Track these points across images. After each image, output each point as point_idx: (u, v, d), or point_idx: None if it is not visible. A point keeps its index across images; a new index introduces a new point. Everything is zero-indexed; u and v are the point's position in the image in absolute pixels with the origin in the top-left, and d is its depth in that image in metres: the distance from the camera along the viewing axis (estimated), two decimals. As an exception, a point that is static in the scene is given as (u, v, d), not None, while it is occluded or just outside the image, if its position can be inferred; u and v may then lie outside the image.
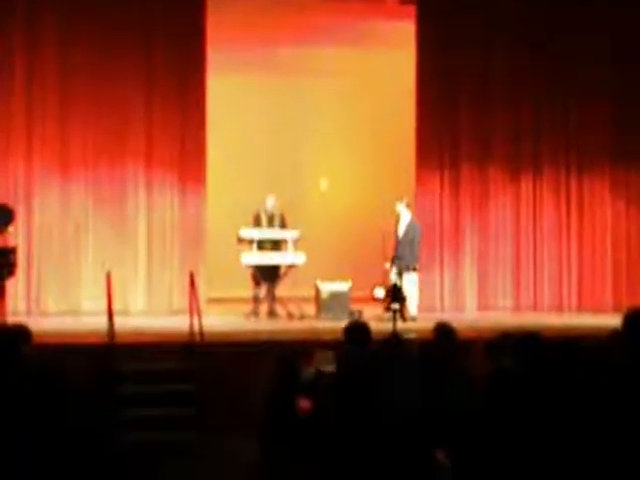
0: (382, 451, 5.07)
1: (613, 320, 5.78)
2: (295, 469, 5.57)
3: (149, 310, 12.55)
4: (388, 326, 9.58)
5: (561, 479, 4.78)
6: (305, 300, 12.19)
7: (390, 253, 11.96)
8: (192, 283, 9.66)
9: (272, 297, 12.04)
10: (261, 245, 11.91)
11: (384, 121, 15.24)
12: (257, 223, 12.05)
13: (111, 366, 8.67)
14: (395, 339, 5.92)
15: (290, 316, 11.77)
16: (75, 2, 12.49)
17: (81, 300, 12.39)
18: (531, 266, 13.72)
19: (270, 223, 12.08)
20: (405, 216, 12.07)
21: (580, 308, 13.60)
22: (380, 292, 11.79)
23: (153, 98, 12.76)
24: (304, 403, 5.70)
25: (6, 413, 4.80)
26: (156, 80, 12.76)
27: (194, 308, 9.40)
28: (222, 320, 11.48)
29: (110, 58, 12.53)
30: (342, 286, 11.97)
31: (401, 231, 12.02)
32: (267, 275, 11.98)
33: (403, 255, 11.87)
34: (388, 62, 14.90)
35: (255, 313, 11.87)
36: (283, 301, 12.01)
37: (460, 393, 5.12)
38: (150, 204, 12.77)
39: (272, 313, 11.99)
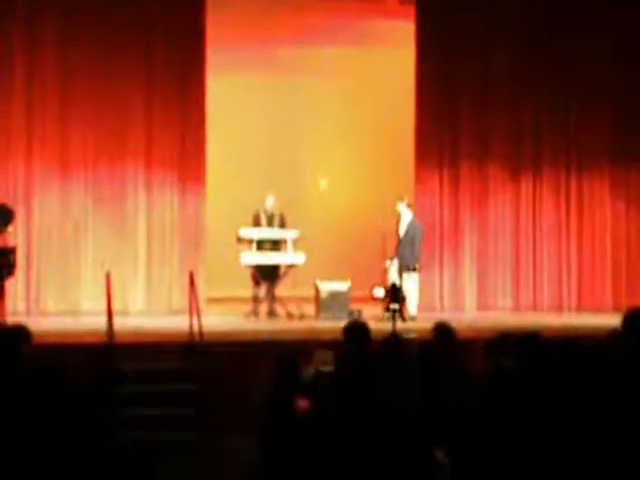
0: (381, 450, 5.07)
1: (613, 320, 5.78)
2: (294, 469, 5.57)
3: (149, 310, 12.56)
4: (387, 326, 9.57)
5: (561, 478, 4.78)
6: (305, 300, 12.18)
7: (391, 252, 11.97)
8: (192, 283, 9.66)
9: (272, 297, 12.04)
10: (260, 245, 11.90)
11: (383, 120, 15.23)
12: (256, 223, 12.05)
13: (111, 366, 8.67)
14: (395, 339, 5.92)
15: (290, 316, 11.78)
16: (75, 2, 12.50)
17: (81, 300, 12.39)
18: (531, 266, 13.72)
19: (269, 223, 12.08)
20: (406, 216, 12.08)
21: (580, 308, 13.60)
22: (379, 292, 11.79)
23: (153, 98, 12.77)
24: (303, 403, 5.70)
25: (6, 413, 4.80)
26: (156, 80, 12.77)
27: (194, 308, 9.40)
28: (222, 320, 11.49)
29: (110, 58, 12.54)
30: (341, 286, 11.97)
31: (402, 231, 12.02)
32: (267, 275, 11.98)
33: (404, 255, 11.88)
34: (387, 61, 14.90)
35: (255, 313, 11.87)
36: (283, 301, 12.01)
37: (459, 393, 5.12)
38: (150, 204, 12.77)
39: (272, 313, 11.99)
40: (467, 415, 4.97)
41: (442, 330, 5.73)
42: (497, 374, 5.09)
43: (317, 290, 11.96)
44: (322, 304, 11.86)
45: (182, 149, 12.84)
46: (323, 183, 15.58)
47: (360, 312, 11.50)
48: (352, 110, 15.61)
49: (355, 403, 5.25)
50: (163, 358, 9.11)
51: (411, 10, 13.50)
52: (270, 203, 12.12)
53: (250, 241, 11.83)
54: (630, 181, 13.82)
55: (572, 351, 5.19)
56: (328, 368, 5.99)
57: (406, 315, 11.60)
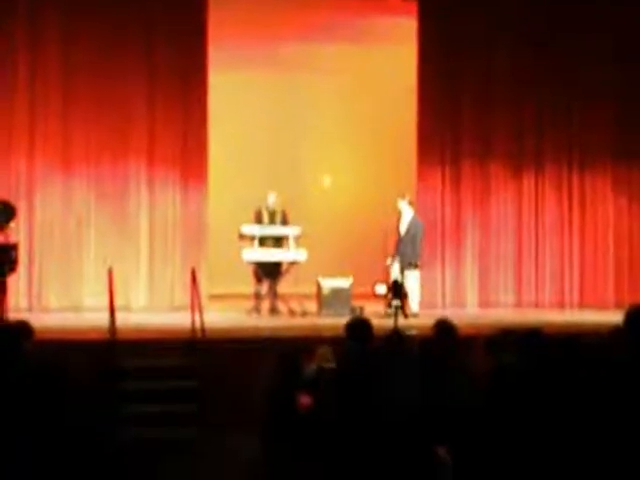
0: (383, 448, 5.07)
1: (615, 317, 5.78)
2: (296, 465, 5.58)
3: (151, 306, 12.56)
4: (389, 323, 9.58)
5: (563, 476, 4.78)
6: (306, 297, 12.18)
7: (392, 250, 11.97)
8: (194, 279, 9.67)
9: (274, 294, 12.04)
10: (262, 242, 11.90)
11: (385, 118, 15.23)
12: (258, 220, 12.05)
13: (113, 362, 8.67)
14: (396, 336, 5.92)
15: (292, 313, 11.77)
16: (77, 0, 12.50)
17: (83, 296, 12.40)
18: (533, 263, 13.72)
19: (271, 220, 12.08)
20: (407, 213, 12.08)
21: (582, 305, 13.60)
22: (381, 288, 11.79)
23: (155, 95, 12.76)
24: (305, 399, 5.70)
25: (8, 410, 4.80)
26: (158, 77, 12.77)
27: (196, 304, 9.40)
28: (224, 317, 11.50)
29: (112, 55, 12.54)
30: (343, 283, 11.97)
31: (403, 228, 12.02)
32: (269, 272, 11.98)
33: (405, 252, 11.88)
34: (389, 59, 14.89)
35: (257, 310, 11.88)
36: (285, 298, 12.01)
37: (461, 390, 5.12)
38: (152, 201, 12.78)
39: (274, 310, 12.00)
40: (468, 412, 4.97)
41: (443, 327, 5.73)
42: (499, 371, 5.09)
43: (319, 287, 11.96)
44: (324, 301, 11.86)
45: (184, 146, 12.84)
46: (327, 180, 15.61)
47: (362, 309, 11.51)
48: (354, 107, 15.61)
49: (357, 400, 5.25)
50: (165, 355, 9.11)
51: (413, 7, 13.48)
52: (272, 200, 12.12)
53: (252, 238, 11.83)
54: (632, 178, 13.81)
55: (574, 348, 5.19)
56: (330, 365, 5.99)
57: (408, 312, 11.60)
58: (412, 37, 13.54)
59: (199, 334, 9.30)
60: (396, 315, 10.12)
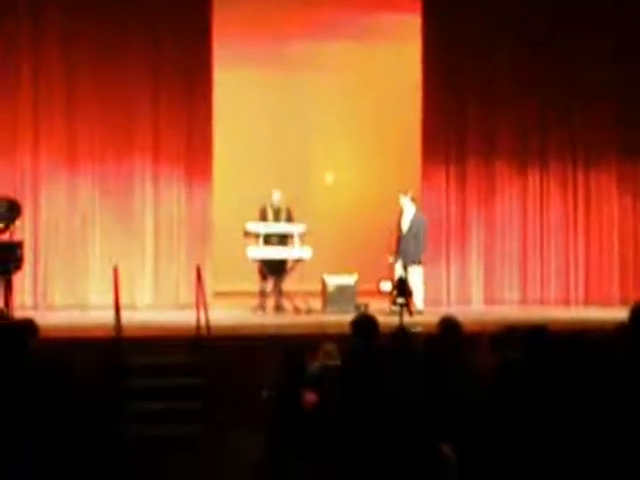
0: (387, 445, 5.07)
1: (620, 313, 5.78)
2: (301, 463, 5.58)
3: (156, 304, 12.57)
4: (394, 320, 9.57)
5: (567, 473, 4.78)
6: (311, 294, 12.18)
7: (393, 247, 11.94)
8: (199, 277, 9.68)
9: (279, 291, 12.05)
10: (267, 239, 11.91)
11: (390, 115, 15.22)
12: (263, 217, 12.05)
13: (118, 360, 8.68)
14: (402, 333, 5.92)
15: (297, 310, 11.78)
16: (80, -3, 12.54)
17: (88, 294, 12.41)
18: (538, 260, 13.70)
19: (276, 217, 12.08)
20: (409, 210, 12.03)
21: (587, 302, 13.57)
22: (386, 285, 11.78)
23: (160, 93, 12.76)
24: (310, 397, 5.71)
25: (14, 407, 4.81)
26: (163, 75, 12.76)
27: (201, 302, 9.41)
28: (229, 314, 11.51)
29: (116, 53, 12.53)
30: (348, 280, 11.98)
31: (405, 225, 11.99)
32: (273, 269, 11.98)
33: (407, 249, 11.85)
34: (394, 56, 14.88)
35: (262, 307, 11.88)
36: (290, 295, 12.02)
37: (465, 387, 5.12)
38: (157, 198, 12.78)
39: (279, 307, 12.00)
40: (473, 409, 4.97)
41: (448, 324, 5.72)
42: (504, 368, 5.09)
43: (324, 284, 11.97)
44: (329, 298, 11.87)
45: (189, 144, 12.84)
46: (329, 177, 15.60)
47: (367, 306, 11.50)
48: (358, 105, 15.59)
49: (362, 397, 5.25)
50: (170, 352, 9.12)
51: (417, 4, 13.44)
52: (277, 197, 12.12)
53: (257, 235, 11.84)
54: (637, 175, 13.78)
55: (579, 345, 5.18)
56: (335, 362, 5.99)
57: (413, 309, 11.59)
58: (416, 34, 13.52)
59: (204, 332, 9.31)
60: (401, 312, 10.12)
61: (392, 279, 11.74)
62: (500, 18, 13.49)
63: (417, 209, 12.19)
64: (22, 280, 11.79)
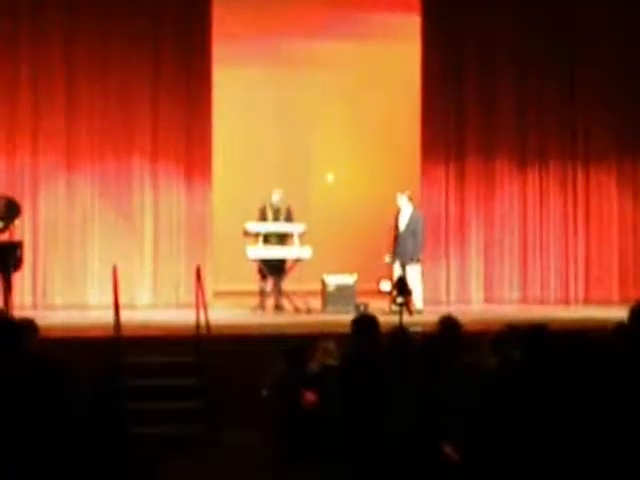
0: (387, 445, 5.07)
1: (620, 313, 5.78)
2: (301, 462, 5.58)
3: (155, 304, 12.57)
4: (394, 319, 9.55)
5: (568, 472, 4.77)
6: (311, 294, 12.18)
7: (389, 246, 11.92)
8: (198, 277, 9.67)
9: (278, 291, 12.04)
10: (267, 239, 11.90)
11: (390, 114, 15.22)
12: (263, 217, 12.04)
13: (117, 360, 8.67)
14: (401, 332, 5.91)
15: (296, 310, 11.78)
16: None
17: (87, 294, 12.41)
18: (538, 259, 13.70)
19: (276, 217, 12.07)
20: (406, 209, 11.99)
21: (587, 301, 13.58)
22: (386, 285, 11.76)
23: (159, 91, 12.76)
24: (309, 396, 5.71)
25: (13, 407, 4.81)
26: (162, 73, 12.76)
27: (200, 301, 9.40)
28: (228, 314, 11.51)
29: (115, 52, 12.55)
30: (348, 279, 11.97)
31: (402, 224, 11.95)
32: (273, 269, 11.98)
33: (405, 247, 11.82)
34: (394, 55, 14.87)
35: (261, 307, 11.88)
36: (289, 295, 12.01)
37: (466, 386, 5.12)
38: (156, 197, 12.78)
39: (278, 307, 12.01)
40: (474, 409, 4.96)
41: (447, 323, 5.72)
42: (504, 367, 5.09)
43: (324, 284, 11.96)
44: (329, 298, 11.86)
45: (188, 143, 12.83)
46: (329, 177, 15.60)
47: (366, 306, 11.50)
48: (358, 104, 15.59)
49: (361, 397, 5.24)
50: (170, 352, 9.11)
51: (417, 3, 13.45)
52: (276, 197, 12.11)
53: (257, 235, 11.84)
54: (637, 173, 13.79)
55: (579, 344, 5.18)
56: (334, 361, 5.99)
57: (412, 308, 11.58)
58: (416, 33, 13.52)
59: (204, 331, 9.30)
60: (401, 312, 10.11)
61: (391, 279, 11.73)
62: (500, 18, 13.50)
63: (414, 207, 12.17)
64: (21, 280, 11.79)
